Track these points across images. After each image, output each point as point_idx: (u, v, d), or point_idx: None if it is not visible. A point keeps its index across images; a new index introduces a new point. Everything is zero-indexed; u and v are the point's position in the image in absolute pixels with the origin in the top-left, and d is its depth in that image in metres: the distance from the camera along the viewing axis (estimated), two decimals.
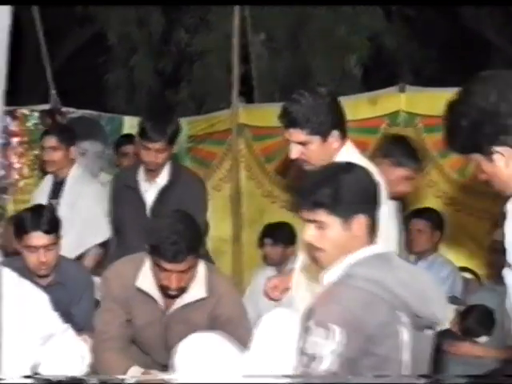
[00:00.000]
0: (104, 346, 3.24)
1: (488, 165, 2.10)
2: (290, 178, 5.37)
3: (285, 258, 4.90)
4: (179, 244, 3.06)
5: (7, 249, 4.30)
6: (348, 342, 2.14)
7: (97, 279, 3.77)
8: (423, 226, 4.57)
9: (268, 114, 5.12)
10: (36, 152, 5.72)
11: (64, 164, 4.67)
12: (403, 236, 3.87)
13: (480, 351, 4.03)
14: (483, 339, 4.04)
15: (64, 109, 5.97)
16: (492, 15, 8.95)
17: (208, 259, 3.92)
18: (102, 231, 4.58)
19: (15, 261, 3.50)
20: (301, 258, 3.06)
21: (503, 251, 2.18)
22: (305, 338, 2.19)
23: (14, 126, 5.96)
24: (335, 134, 2.97)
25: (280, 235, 4.96)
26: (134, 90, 8.37)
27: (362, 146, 3.74)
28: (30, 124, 6.00)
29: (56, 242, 3.57)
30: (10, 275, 2.87)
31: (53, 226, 3.56)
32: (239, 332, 3.06)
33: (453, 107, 2.13)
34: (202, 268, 3.30)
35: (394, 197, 3.78)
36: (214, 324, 3.24)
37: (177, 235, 3.07)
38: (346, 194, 2.30)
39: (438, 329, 2.48)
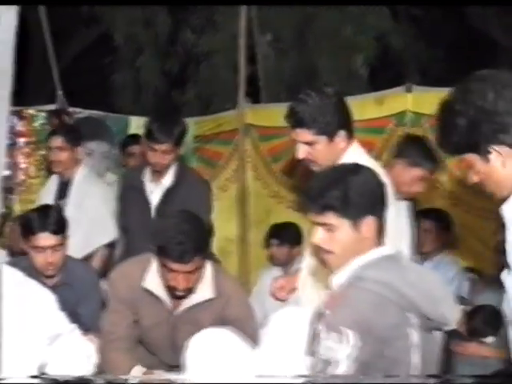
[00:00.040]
0: (111, 346, 3.25)
1: (483, 165, 2.08)
2: (296, 178, 5.36)
3: (291, 258, 4.88)
4: (185, 244, 3.05)
5: (13, 248, 4.31)
6: (362, 345, 2.14)
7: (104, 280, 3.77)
8: (430, 226, 4.57)
9: (274, 114, 5.10)
10: (42, 152, 5.73)
11: (70, 164, 4.66)
12: (415, 236, 3.86)
13: (487, 351, 4.03)
14: (490, 339, 4.03)
15: (70, 109, 5.97)
16: (499, 15, 8.91)
17: (214, 259, 3.92)
18: (109, 231, 4.58)
19: (22, 260, 3.51)
20: (307, 259, 3.06)
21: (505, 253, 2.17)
22: (317, 343, 2.19)
23: (20, 127, 5.98)
24: (342, 133, 2.96)
25: (286, 235, 4.95)
26: (141, 91, 8.38)
27: (368, 146, 3.74)
28: (36, 124, 6.02)
29: (63, 243, 3.57)
30: (16, 275, 2.87)
31: (60, 227, 3.55)
32: (247, 332, 3.05)
33: (448, 106, 2.11)
34: (209, 269, 3.29)
35: (407, 197, 3.79)
36: (221, 324, 3.22)
37: (183, 235, 3.07)
38: (355, 195, 2.29)
39: (446, 329, 2.48)
